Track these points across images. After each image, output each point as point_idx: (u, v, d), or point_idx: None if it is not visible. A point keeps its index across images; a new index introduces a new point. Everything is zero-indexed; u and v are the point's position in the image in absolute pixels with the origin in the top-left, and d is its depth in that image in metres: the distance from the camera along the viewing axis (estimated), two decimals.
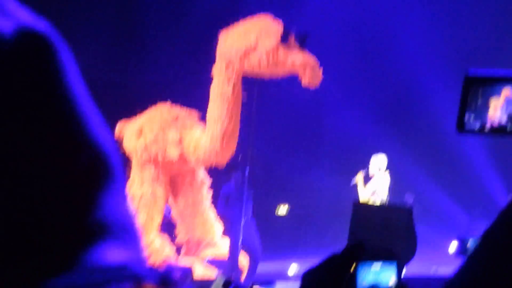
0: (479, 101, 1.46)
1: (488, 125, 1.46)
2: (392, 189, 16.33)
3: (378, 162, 12.84)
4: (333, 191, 16.55)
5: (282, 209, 16.75)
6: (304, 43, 10.35)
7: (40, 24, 0.82)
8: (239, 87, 11.17)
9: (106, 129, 0.88)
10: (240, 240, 12.13)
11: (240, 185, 12.44)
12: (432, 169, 17.25)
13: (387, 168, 13.01)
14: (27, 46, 0.82)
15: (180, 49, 17.13)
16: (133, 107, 12.40)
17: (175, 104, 12.40)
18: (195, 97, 12.09)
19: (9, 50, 0.81)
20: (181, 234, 12.80)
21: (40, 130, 0.81)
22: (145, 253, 0.82)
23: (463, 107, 1.46)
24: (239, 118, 11.21)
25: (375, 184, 12.81)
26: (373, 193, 12.75)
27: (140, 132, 12.39)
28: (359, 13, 17.79)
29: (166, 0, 17.42)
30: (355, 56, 17.96)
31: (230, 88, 11.15)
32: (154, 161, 12.33)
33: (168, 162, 12.25)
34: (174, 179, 12.93)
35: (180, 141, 12.01)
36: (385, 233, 6.21)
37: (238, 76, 11.10)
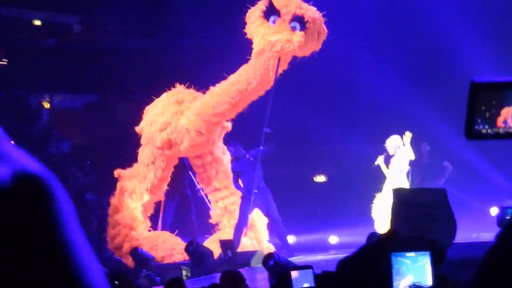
0: (488, 107, 1.43)
1: (499, 131, 1.44)
2: (431, 155, 16.37)
3: (393, 142, 13.28)
4: (371, 159, 16.52)
5: (320, 178, 16.79)
6: (302, 27, 11.47)
7: (35, 166, 0.85)
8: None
9: (98, 270, 0.87)
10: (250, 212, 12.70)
11: (249, 163, 12.86)
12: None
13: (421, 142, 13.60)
14: (23, 189, 0.83)
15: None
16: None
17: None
18: None
19: (4, 194, 0.81)
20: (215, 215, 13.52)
21: (30, 275, 0.81)
22: None
23: (471, 114, 1.43)
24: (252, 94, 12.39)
25: (397, 163, 13.19)
26: (399, 170, 13.13)
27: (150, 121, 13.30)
28: None
29: None
30: (386, 23, 17.87)
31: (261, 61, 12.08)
32: (162, 149, 13.08)
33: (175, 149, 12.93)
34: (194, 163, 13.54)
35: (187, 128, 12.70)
36: (425, 215, 6.37)
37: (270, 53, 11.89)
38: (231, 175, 13.30)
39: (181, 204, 15.33)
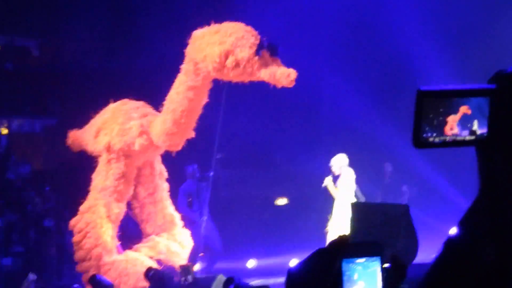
0: (435, 115, 1.46)
1: (446, 139, 1.47)
2: (393, 176, 16.59)
3: (338, 162, 13.59)
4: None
5: (281, 201, 16.89)
6: (275, 53, 10.90)
7: None
8: (204, 87, 11.78)
9: None
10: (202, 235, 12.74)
11: (203, 186, 12.94)
12: (431, 153, 17.35)
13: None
14: None
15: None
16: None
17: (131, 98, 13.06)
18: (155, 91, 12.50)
19: None
20: (143, 226, 13.34)
21: None
22: None
23: (418, 122, 1.46)
24: (197, 112, 12.00)
25: (344, 182, 13.44)
26: (345, 189, 13.39)
27: (98, 132, 13.06)
28: None
29: None
30: (347, 40, 18.13)
31: (194, 84, 11.75)
32: (118, 156, 12.80)
33: (132, 154, 12.71)
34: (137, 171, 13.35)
35: (143, 130, 12.55)
36: (385, 230, 6.26)
37: (205, 79, 11.66)
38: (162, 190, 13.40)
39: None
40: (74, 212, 13.86)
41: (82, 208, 13.10)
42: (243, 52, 10.98)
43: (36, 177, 19.92)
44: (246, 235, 16.12)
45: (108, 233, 12.81)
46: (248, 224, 16.30)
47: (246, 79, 11.38)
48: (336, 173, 13.56)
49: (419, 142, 1.48)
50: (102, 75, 19.10)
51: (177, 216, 13.24)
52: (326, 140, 18.70)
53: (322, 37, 18.22)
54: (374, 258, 2.00)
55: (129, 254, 12.94)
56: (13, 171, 19.75)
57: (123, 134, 12.80)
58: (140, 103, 13.24)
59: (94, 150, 13.24)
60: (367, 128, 17.46)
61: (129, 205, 13.27)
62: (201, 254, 13.12)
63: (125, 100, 13.32)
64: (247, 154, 17.33)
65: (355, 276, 1.93)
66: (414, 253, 5.94)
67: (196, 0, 17.91)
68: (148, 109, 13.11)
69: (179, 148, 12.47)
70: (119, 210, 13.01)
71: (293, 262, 15.21)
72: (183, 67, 11.90)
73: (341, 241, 1.69)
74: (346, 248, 1.71)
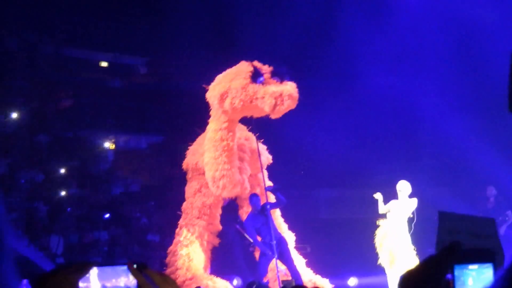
0: None
1: None
2: (497, 199, 16.81)
3: (400, 186, 14.19)
4: (435, 201, 17.12)
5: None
6: (284, 78, 11.55)
7: None
8: (226, 133, 12.44)
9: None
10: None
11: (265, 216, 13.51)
12: None
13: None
14: None
15: None
16: None
17: None
18: None
19: None
20: None
21: None
22: None
23: None
24: (231, 161, 12.57)
25: (392, 205, 14.15)
26: (390, 211, 14.12)
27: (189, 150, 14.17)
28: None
29: None
30: (452, 67, 18.42)
31: (217, 134, 12.55)
32: (193, 175, 13.95)
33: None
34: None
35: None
36: (472, 242, 6.70)
37: (225, 122, 12.40)
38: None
39: (226, 240, 15.88)
40: (176, 225, 14.84)
41: (176, 230, 14.17)
42: (237, 81, 11.75)
43: (141, 193, 20.97)
44: (347, 255, 16.78)
45: (196, 263, 13.59)
46: (349, 244, 16.93)
47: (254, 114, 12.15)
48: (398, 198, 14.16)
49: None
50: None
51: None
52: (425, 162, 19.14)
53: (425, 57, 18.60)
54: (487, 264, 2.00)
55: (218, 282, 13.55)
56: (118, 186, 20.81)
57: (195, 153, 13.84)
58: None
59: (189, 170, 14.25)
60: (468, 151, 17.76)
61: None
62: (265, 279, 13.66)
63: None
64: (347, 175, 17.88)
65: (470, 282, 1.95)
66: (500, 264, 6.32)
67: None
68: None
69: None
70: (200, 226, 13.83)
71: (352, 281, 16.04)
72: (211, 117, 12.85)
73: (453, 247, 1.72)
74: (459, 254, 1.73)
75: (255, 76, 11.69)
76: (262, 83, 11.68)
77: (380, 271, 14.33)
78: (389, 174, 16.32)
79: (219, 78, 12.39)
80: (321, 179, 16.51)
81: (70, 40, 21.41)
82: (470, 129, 17.84)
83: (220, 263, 14.69)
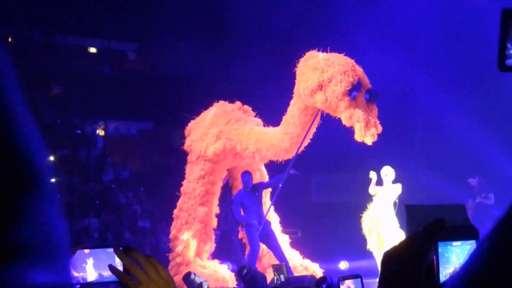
0: None
1: None
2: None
3: (384, 171, 14.46)
4: (428, 187, 17.39)
5: None
6: (373, 100, 11.49)
7: None
8: (310, 113, 12.42)
9: (38, 140, 0.85)
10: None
11: (256, 196, 13.73)
12: None
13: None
14: None
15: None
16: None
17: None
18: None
19: None
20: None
21: None
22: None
23: (503, 43, 1.46)
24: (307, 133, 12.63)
25: (378, 189, 14.39)
26: (377, 194, 14.36)
27: (188, 133, 14.18)
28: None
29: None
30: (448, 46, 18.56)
31: (300, 106, 12.52)
32: (197, 160, 13.87)
33: (211, 159, 13.70)
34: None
35: (221, 136, 13.45)
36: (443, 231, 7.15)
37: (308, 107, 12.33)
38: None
39: (223, 225, 16.23)
40: (168, 214, 14.98)
41: (174, 212, 14.27)
42: (336, 86, 11.58)
43: (131, 179, 21.11)
44: (339, 238, 17.05)
45: (192, 248, 13.84)
46: (340, 228, 17.24)
47: (330, 113, 12.05)
48: (383, 183, 14.41)
49: (503, 66, 1.48)
50: (197, 81, 20.25)
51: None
52: (418, 145, 19.34)
53: (417, 33, 18.69)
54: (471, 241, 1.99)
55: (212, 265, 13.92)
56: (109, 173, 20.94)
57: (203, 138, 13.86)
58: (235, 106, 14.14)
59: (192, 151, 14.22)
60: (461, 134, 17.94)
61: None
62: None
63: (221, 104, 14.24)
64: (339, 158, 18.07)
65: (453, 258, 1.94)
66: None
67: (288, 16, 18.67)
68: (240, 114, 13.96)
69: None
70: (203, 213, 13.95)
71: (343, 265, 16.31)
72: (296, 87, 12.63)
73: (437, 224, 1.71)
74: (442, 231, 1.72)
75: (355, 87, 11.61)
76: (355, 97, 11.62)
77: (370, 255, 14.61)
78: (381, 158, 16.51)
79: (317, 64, 12.10)
80: (312, 163, 16.66)
81: (58, 26, 21.40)
82: (462, 110, 18.00)
83: (217, 248, 14.81)
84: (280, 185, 13.54)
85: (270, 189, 14.35)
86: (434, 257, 1.85)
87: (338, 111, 11.76)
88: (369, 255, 14.55)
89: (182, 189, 14.29)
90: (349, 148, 15.58)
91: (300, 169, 13.81)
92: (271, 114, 13.74)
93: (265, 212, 13.92)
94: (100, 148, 22.50)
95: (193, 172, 14.07)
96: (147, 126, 23.59)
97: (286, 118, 12.94)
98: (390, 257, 1.66)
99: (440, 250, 1.89)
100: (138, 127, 23.83)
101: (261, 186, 13.82)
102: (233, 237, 16.00)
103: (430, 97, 18.67)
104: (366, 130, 11.52)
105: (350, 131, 12.05)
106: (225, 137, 13.58)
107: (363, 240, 14.50)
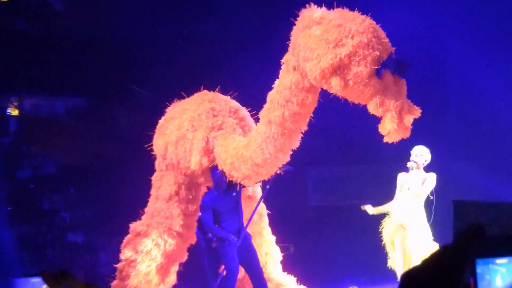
0: None
1: None
2: None
3: (416, 152, 14.12)
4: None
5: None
6: (401, 73, 10.73)
7: None
8: (310, 99, 11.60)
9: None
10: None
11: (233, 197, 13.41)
12: None
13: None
14: None
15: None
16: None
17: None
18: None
19: None
20: None
21: None
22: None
23: None
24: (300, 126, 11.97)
25: (401, 181, 14.10)
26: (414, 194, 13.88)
27: (160, 128, 13.86)
28: None
29: None
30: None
31: (295, 99, 11.56)
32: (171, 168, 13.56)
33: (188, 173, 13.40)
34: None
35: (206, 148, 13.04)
36: (496, 231, 6.79)
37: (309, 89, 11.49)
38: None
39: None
40: (109, 223, 14.56)
41: (131, 230, 13.85)
42: (360, 67, 10.49)
43: (57, 176, 20.58)
44: (345, 255, 16.96)
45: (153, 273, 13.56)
46: (346, 241, 17.06)
47: (349, 99, 11.01)
48: (417, 167, 13.98)
49: None
50: (150, 41, 19.60)
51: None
52: (449, 128, 19.31)
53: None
54: None
55: None
56: (26, 167, 20.45)
57: (174, 144, 13.33)
58: (222, 99, 13.64)
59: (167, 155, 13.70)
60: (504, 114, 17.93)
61: None
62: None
63: (205, 94, 13.70)
64: (344, 148, 17.93)
65: (498, 280, 1.90)
66: None
67: None
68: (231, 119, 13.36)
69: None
70: (174, 243, 13.63)
71: None
72: (286, 58, 11.64)
73: (474, 234, 1.63)
74: (482, 244, 1.64)
75: (385, 64, 10.56)
76: (381, 75, 10.57)
77: (391, 277, 14.17)
78: (399, 146, 16.32)
79: (326, 32, 10.92)
80: (309, 154, 16.17)
81: None
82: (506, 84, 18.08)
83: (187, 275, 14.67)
84: (268, 186, 13.34)
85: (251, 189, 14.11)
86: (471, 279, 1.78)
87: (362, 98, 10.79)
88: (389, 277, 14.21)
89: (147, 208, 13.89)
90: (358, 133, 15.29)
91: (293, 162, 13.25)
92: (253, 89, 13.23)
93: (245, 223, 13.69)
94: (12, 132, 21.81)
95: (164, 186, 13.67)
96: (80, 103, 23.02)
97: (265, 115, 12.09)
98: (411, 280, 1.57)
99: (479, 270, 1.82)
100: (67, 104, 23.29)
101: (239, 183, 13.14)
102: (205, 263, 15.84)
103: (466, 62, 18.40)
104: (400, 121, 10.68)
105: (360, 109, 11.35)
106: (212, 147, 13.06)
107: (381, 256, 14.19)
